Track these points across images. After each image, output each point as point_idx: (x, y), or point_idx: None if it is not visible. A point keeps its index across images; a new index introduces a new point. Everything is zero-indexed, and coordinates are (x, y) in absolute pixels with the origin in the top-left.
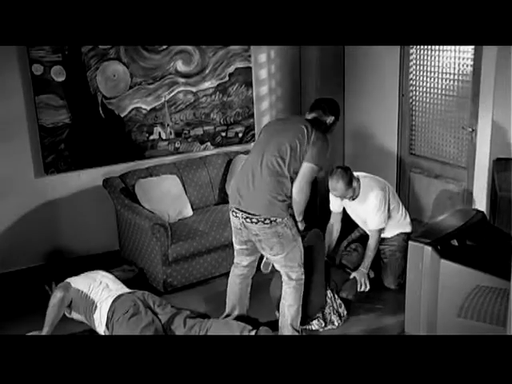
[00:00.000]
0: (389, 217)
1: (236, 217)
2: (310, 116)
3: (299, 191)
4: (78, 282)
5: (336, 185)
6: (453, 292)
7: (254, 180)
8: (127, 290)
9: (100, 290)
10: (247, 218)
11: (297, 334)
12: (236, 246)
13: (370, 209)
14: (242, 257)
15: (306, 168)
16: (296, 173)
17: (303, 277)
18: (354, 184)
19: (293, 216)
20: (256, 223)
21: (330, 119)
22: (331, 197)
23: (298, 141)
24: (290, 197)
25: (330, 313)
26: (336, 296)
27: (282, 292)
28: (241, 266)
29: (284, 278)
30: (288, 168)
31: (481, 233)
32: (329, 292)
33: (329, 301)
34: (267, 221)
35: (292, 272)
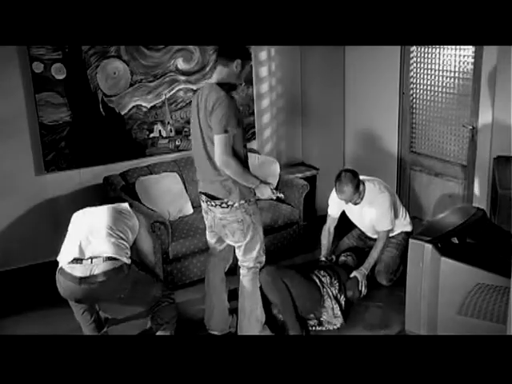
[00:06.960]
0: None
1: (202, 200)
2: (214, 77)
3: (224, 166)
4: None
5: (344, 188)
6: (453, 290)
7: (201, 163)
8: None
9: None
10: (208, 201)
11: (261, 327)
12: (206, 232)
13: (381, 211)
14: (213, 242)
15: (217, 140)
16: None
17: (259, 265)
18: (360, 188)
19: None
20: (214, 206)
21: (236, 64)
22: (330, 202)
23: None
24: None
25: (329, 311)
26: (342, 296)
27: (240, 286)
28: (214, 253)
29: (242, 270)
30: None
31: (481, 231)
32: (333, 290)
33: (330, 300)
34: (224, 205)
35: (250, 262)
